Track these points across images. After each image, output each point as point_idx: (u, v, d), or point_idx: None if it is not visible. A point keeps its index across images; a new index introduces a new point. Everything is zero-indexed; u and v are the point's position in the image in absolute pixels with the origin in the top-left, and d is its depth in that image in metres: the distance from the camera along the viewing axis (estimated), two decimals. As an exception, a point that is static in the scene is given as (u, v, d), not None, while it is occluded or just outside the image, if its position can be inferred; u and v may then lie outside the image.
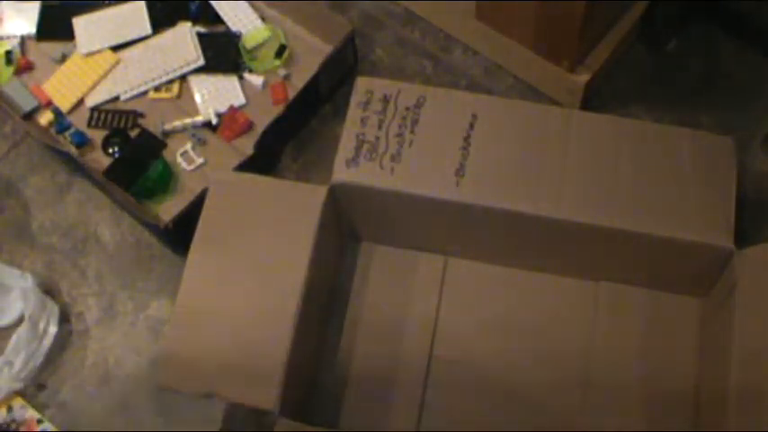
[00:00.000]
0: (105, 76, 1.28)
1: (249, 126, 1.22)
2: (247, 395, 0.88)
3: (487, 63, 1.28)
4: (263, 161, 1.18)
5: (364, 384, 1.03)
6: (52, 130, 1.25)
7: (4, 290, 1.14)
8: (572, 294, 1.07)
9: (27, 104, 1.26)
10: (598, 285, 1.06)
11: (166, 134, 1.23)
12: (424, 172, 0.97)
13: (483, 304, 1.07)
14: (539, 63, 1.19)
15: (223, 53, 1.28)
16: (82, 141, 1.23)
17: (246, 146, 1.18)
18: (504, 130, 0.99)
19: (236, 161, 1.14)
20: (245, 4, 1.32)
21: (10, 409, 1.09)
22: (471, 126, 0.98)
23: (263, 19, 1.32)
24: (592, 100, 1.21)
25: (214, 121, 1.22)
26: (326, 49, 1.24)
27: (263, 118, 1.19)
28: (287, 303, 0.90)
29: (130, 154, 1.22)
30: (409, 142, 0.98)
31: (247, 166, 1.13)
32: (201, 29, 1.31)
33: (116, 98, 1.27)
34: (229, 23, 1.31)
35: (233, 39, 1.29)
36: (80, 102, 1.27)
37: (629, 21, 1.20)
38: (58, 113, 1.25)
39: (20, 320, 1.11)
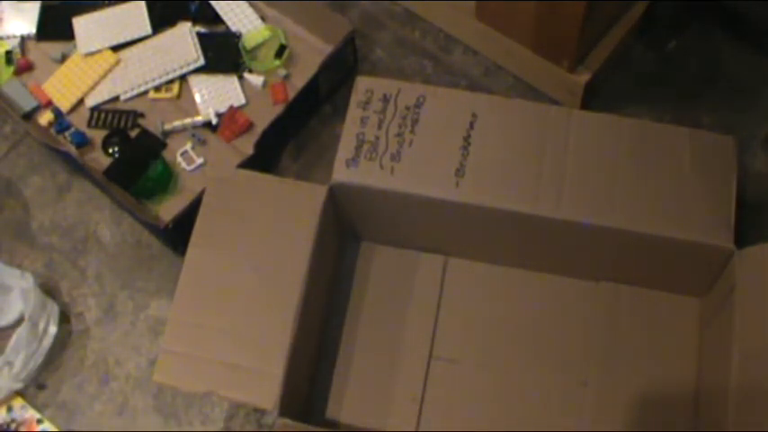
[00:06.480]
0: (105, 76, 1.28)
1: (249, 126, 1.22)
2: (247, 395, 0.88)
3: (487, 63, 1.28)
4: (263, 161, 1.18)
5: (364, 384, 1.03)
6: (52, 130, 1.25)
7: (4, 290, 1.14)
8: (572, 294, 1.07)
9: (27, 104, 1.26)
10: (598, 285, 1.06)
11: (166, 134, 1.23)
12: (424, 172, 0.97)
13: (483, 304, 1.07)
14: (539, 63, 1.19)
15: (223, 53, 1.28)
16: (82, 141, 1.23)
17: (246, 146, 1.18)
18: (504, 129, 0.98)
19: (236, 161, 1.14)
20: (245, 4, 1.32)
21: (10, 409, 1.09)
22: (471, 126, 0.98)
23: (263, 19, 1.32)
24: (592, 100, 1.21)
25: (214, 121, 1.22)
26: (326, 49, 1.24)
27: (263, 118, 1.19)
28: (287, 303, 0.90)
29: (130, 154, 1.22)
30: (409, 142, 0.98)
31: (247, 165, 1.12)
32: (201, 29, 1.31)
33: (116, 98, 1.27)
34: (229, 23, 1.31)
35: (233, 39, 1.29)
36: (80, 102, 1.27)
37: (629, 21, 1.20)
38: (58, 113, 1.25)
39: (20, 320, 1.11)
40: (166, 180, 1.19)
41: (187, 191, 1.18)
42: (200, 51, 1.28)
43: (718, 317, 0.96)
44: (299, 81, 1.23)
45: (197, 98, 1.26)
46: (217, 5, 1.32)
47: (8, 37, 1.32)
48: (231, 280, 0.93)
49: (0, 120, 1.31)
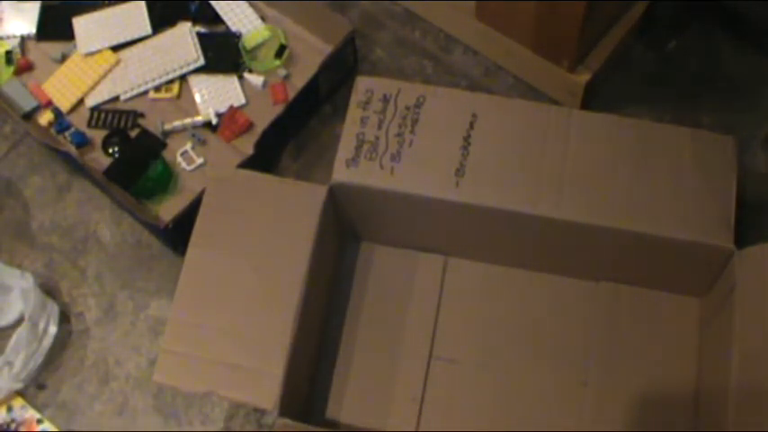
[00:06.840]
0: (105, 76, 1.28)
1: (249, 126, 1.22)
2: (247, 395, 0.88)
3: (487, 63, 1.28)
4: (263, 161, 1.18)
5: (364, 384, 1.03)
6: (52, 130, 1.25)
7: (4, 290, 1.14)
8: (572, 294, 1.07)
9: (27, 104, 1.26)
10: (598, 285, 1.06)
11: (166, 134, 1.23)
12: (424, 172, 0.97)
13: (483, 304, 1.07)
14: (539, 63, 1.19)
15: (223, 53, 1.28)
16: (82, 141, 1.23)
17: (246, 146, 1.18)
18: (504, 129, 0.98)
19: (236, 161, 1.14)
20: (245, 4, 1.32)
21: (10, 409, 1.09)
22: (471, 126, 0.98)
23: (263, 19, 1.32)
24: (592, 100, 1.21)
25: (214, 121, 1.22)
26: (326, 49, 1.24)
27: (263, 118, 1.19)
28: (287, 303, 0.90)
29: (130, 154, 1.22)
30: (409, 142, 0.98)
31: (247, 165, 1.12)
32: (201, 29, 1.31)
33: (116, 98, 1.27)
34: (229, 23, 1.31)
35: (233, 39, 1.29)
36: (80, 102, 1.27)
37: (629, 21, 1.20)
38: (57, 113, 1.25)
39: (20, 320, 1.11)
40: (166, 180, 1.19)
41: (187, 191, 1.18)
42: (200, 51, 1.28)
43: (718, 317, 0.96)
44: (299, 81, 1.23)
45: (197, 98, 1.26)
46: (217, 5, 1.32)
47: (8, 37, 1.32)
48: (231, 280, 0.93)
49: (0, 120, 1.31)
